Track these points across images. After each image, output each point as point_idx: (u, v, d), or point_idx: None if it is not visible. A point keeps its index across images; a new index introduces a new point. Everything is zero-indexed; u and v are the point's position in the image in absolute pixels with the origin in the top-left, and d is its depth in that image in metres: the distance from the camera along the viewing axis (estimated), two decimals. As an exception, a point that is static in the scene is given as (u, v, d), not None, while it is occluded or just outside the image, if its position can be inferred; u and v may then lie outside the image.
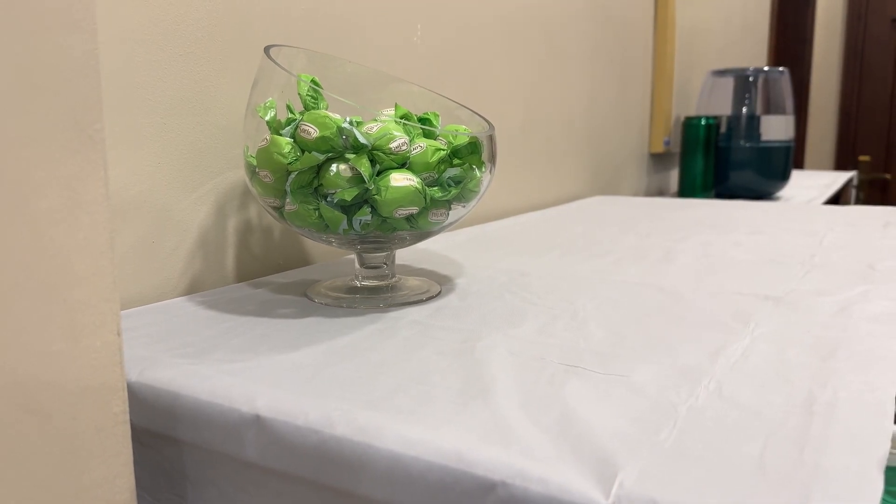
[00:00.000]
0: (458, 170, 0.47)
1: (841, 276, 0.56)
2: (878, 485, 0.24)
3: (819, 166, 3.64)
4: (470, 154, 0.48)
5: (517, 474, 0.25)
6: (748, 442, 0.27)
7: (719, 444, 0.27)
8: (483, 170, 0.49)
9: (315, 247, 0.66)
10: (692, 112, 1.74)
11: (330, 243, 0.49)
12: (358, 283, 0.52)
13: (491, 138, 0.50)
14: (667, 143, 1.58)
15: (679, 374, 0.35)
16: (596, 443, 0.27)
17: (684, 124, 1.47)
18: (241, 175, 0.57)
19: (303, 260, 0.64)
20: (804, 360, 0.37)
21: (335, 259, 0.67)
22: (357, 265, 0.52)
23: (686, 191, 1.48)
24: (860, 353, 0.38)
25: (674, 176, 1.79)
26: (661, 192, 1.70)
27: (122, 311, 0.47)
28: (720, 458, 0.26)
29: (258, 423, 0.30)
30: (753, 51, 2.50)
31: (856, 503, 0.23)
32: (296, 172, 0.44)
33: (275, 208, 0.47)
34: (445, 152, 0.47)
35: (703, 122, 1.44)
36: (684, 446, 0.27)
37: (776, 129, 1.44)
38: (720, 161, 1.46)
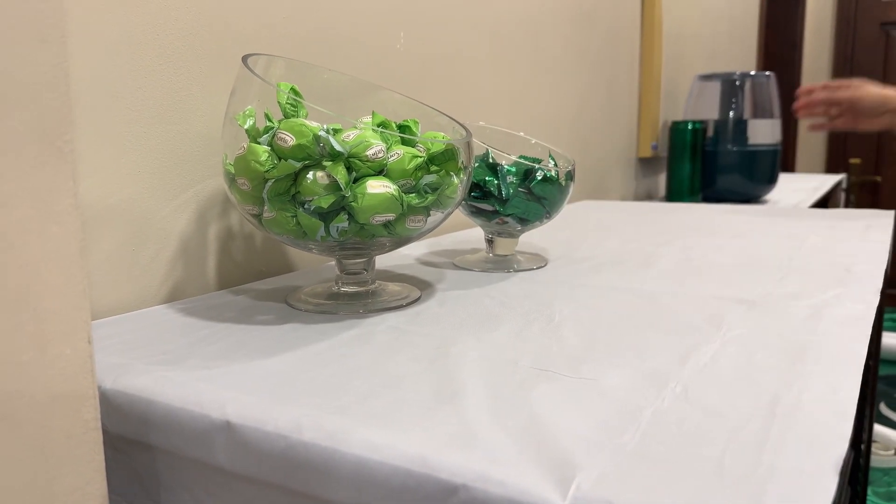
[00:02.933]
0: (434, 176, 0.48)
1: (817, 279, 0.57)
2: (831, 485, 0.25)
3: (810, 169, 3.66)
4: (447, 161, 0.48)
5: (478, 477, 0.26)
6: (709, 444, 0.28)
7: (681, 447, 0.28)
8: (460, 176, 0.50)
9: (297, 254, 0.66)
10: (679, 116, 1.75)
11: (310, 250, 0.50)
12: (338, 290, 0.53)
13: (468, 145, 0.50)
14: (654, 148, 1.59)
15: (647, 377, 0.35)
16: (559, 446, 0.28)
17: (671, 129, 1.48)
18: (221, 183, 0.58)
19: (285, 267, 0.65)
20: (772, 363, 0.37)
21: (318, 266, 0.67)
22: (337, 271, 0.53)
23: (673, 195, 1.49)
24: (827, 356, 0.38)
25: (662, 180, 1.80)
26: (649, 196, 1.71)
27: (101, 320, 0.47)
28: (680, 461, 0.27)
29: (228, 429, 0.31)
30: (743, 55, 2.52)
31: (808, 503, 0.24)
32: (273, 180, 0.45)
33: (253, 216, 0.48)
34: (422, 159, 0.47)
35: (689, 126, 1.45)
36: (646, 449, 0.28)
37: (763, 132, 1.45)
38: (707, 165, 1.47)
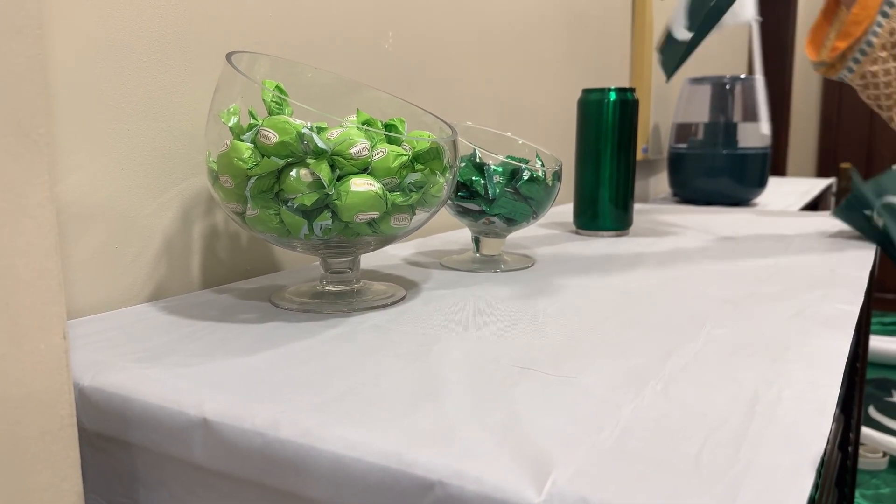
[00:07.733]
0: (419, 175, 0.48)
1: (802, 279, 0.57)
2: (807, 481, 0.25)
3: (801, 174, 3.67)
4: (432, 159, 0.48)
5: (454, 474, 0.25)
6: (687, 441, 0.28)
7: (658, 444, 0.28)
8: (446, 175, 0.50)
9: (283, 253, 0.66)
10: (669, 119, 1.75)
11: (294, 248, 0.49)
12: (323, 289, 0.52)
13: (454, 144, 0.50)
14: (645, 151, 1.60)
15: (628, 375, 0.35)
16: (536, 442, 0.28)
17: (581, 100, 0.86)
18: (206, 181, 0.57)
19: (271, 266, 0.64)
20: (753, 362, 0.37)
21: (303, 265, 0.67)
22: (322, 270, 0.52)
23: (583, 218, 0.86)
24: (809, 355, 0.38)
25: (652, 183, 1.80)
26: (640, 199, 1.71)
27: (83, 318, 0.47)
28: (657, 457, 0.26)
29: (205, 426, 0.31)
30: (734, 59, 2.53)
31: (783, 499, 0.24)
32: (255, 178, 0.45)
33: (237, 213, 0.48)
34: (407, 157, 0.47)
35: (612, 96, 0.85)
36: (623, 445, 0.27)
37: (753, 136, 1.46)
38: (697, 167, 1.47)
